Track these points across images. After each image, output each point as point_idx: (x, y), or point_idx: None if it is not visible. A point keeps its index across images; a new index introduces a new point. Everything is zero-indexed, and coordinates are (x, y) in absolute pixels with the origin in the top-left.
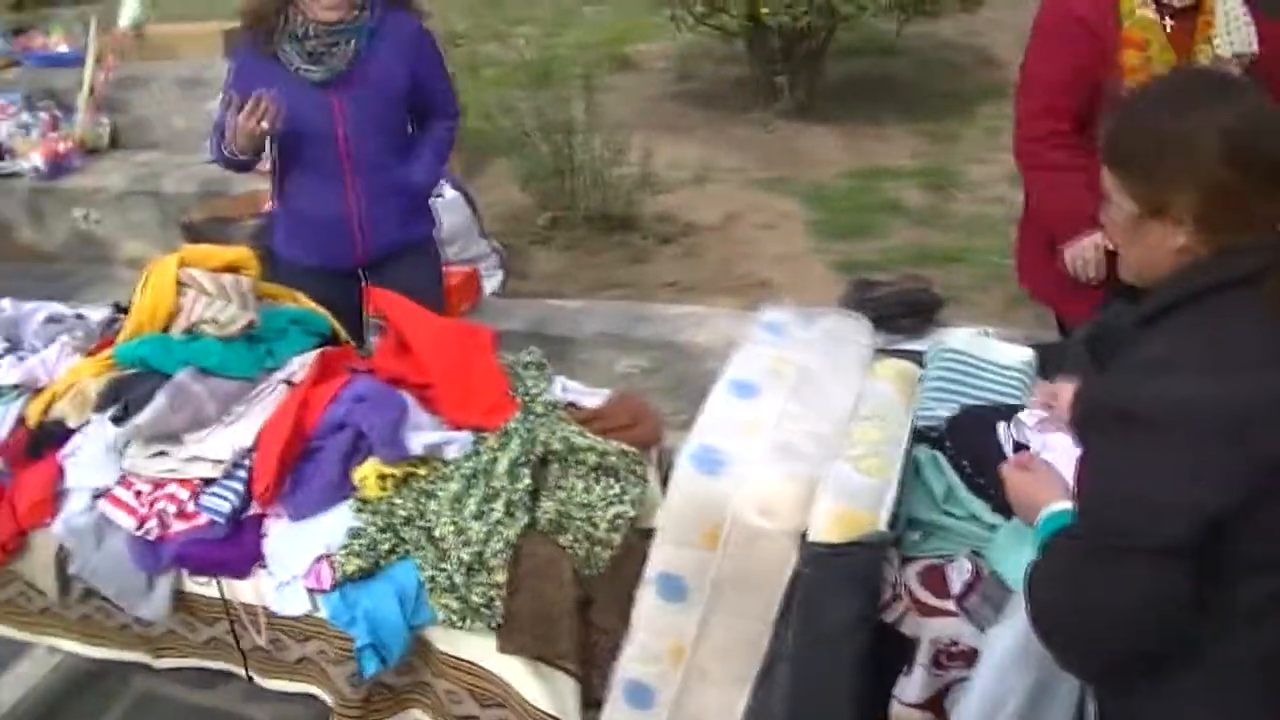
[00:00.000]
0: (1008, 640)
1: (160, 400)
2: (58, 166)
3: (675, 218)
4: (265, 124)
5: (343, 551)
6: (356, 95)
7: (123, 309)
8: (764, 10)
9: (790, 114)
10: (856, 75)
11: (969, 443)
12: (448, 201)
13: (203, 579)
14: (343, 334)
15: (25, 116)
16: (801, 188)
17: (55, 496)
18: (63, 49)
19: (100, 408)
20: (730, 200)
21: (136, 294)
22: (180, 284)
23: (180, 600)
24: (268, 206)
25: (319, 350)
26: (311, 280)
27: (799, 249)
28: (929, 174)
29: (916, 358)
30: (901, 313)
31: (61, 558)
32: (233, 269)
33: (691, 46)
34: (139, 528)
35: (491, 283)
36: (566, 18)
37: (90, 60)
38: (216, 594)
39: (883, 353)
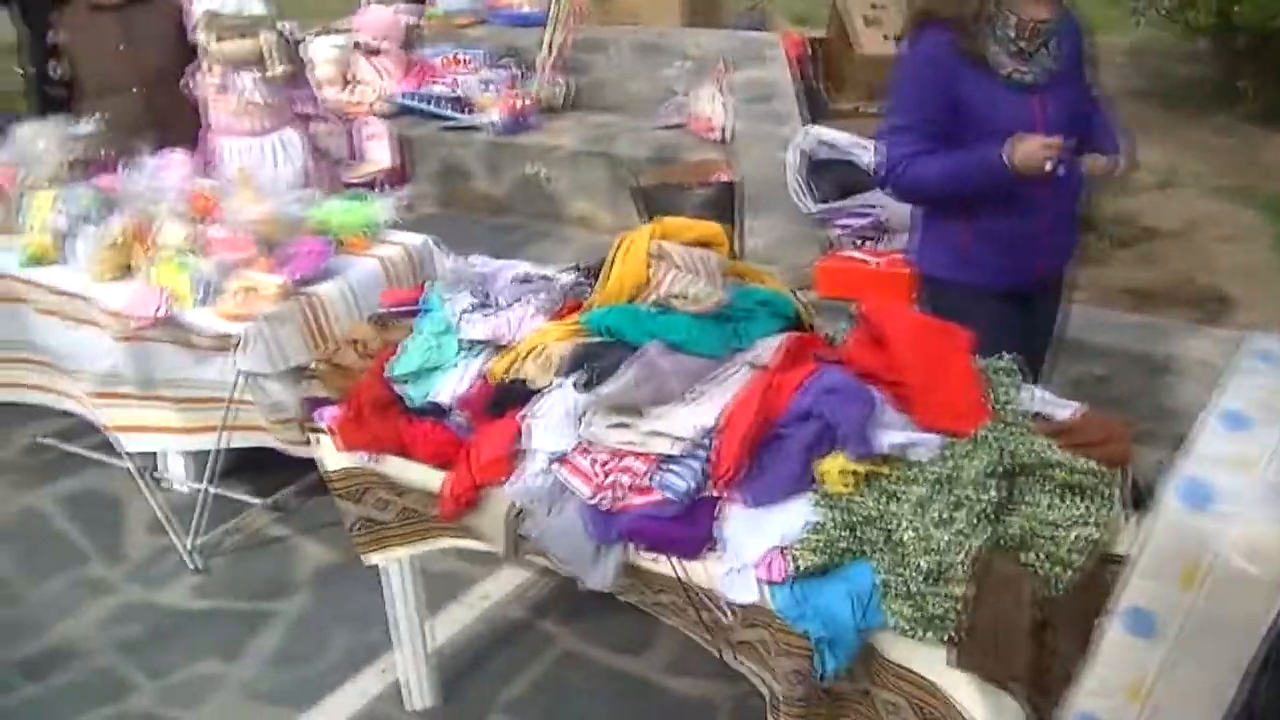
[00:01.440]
0: None
1: (627, 372)
2: (515, 122)
3: (1134, 221)
4: (1049, 166)
5: (799, 545)
6: (1058, 95)
7: (587, 272)
8: (1235, 9)
9: (1254, 119)
10: None
11: None
12: None
13: (652, 555)
14: (809, 319)
15: (488, 73)
16: (1266, 199)
17: (513, 456)
18: (527, 9)
19: (565, 372)
20: (1190, 207)
21: (609, 262)
22: (652, 256)
23: (629, 572)
24: (718, 176)
25: (787, 335)
26: (990, 303)
27: (1262, 264)
28: None
29: None
30: None
31: (514, 516)
32: (704, 244)
33: (1149, 42)
34: (594, 497)
35: None
36: None
37: (553, 21)
38: (665, 570)
39: None
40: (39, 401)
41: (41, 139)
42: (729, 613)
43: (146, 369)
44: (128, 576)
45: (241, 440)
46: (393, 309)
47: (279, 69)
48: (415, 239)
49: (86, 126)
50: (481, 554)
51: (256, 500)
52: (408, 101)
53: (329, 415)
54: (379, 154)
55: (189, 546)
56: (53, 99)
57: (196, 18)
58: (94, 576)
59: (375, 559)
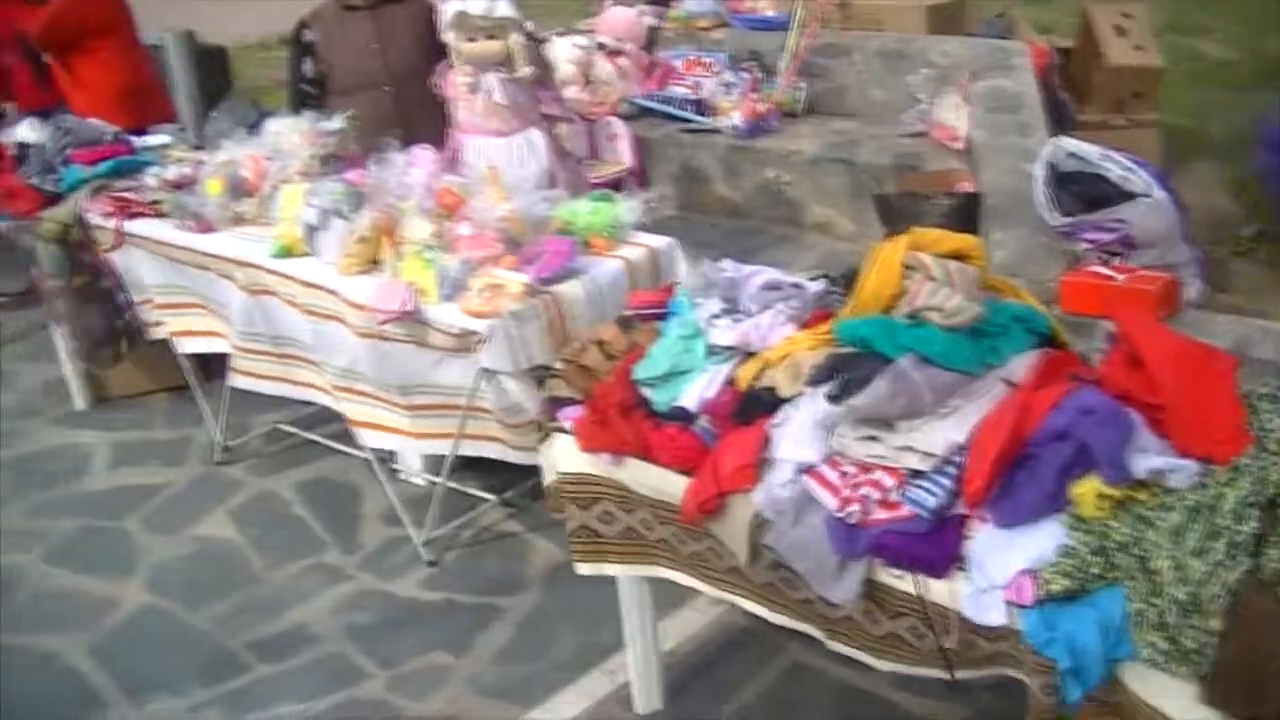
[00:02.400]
0: None
1: (880, 385)
2: (755, 126)
3: None
4: None
5: (1050, 568)
6: None
7: (835, 280)
8: None
9: None
10: None
11: None
12: (1155, 202)
13: (897, 571)
14: (1063, 336)
15: (729, 76)
16: None
17: (758, 464)
18: (769, 13)
19: (814, 382)
20: None
21: (863, 272)
22: (907, 267)
23: (869, 588)
24: (960, 186)
25: (1042, 352)
26: None
27: None
28: None
29: None
30: None
31: (757, 525)
32: (960, 256)
33: None
34: (840, 509)
35: (1189, 291)
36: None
37: (795, 25)
38: (909, 588)
39: None
40: (280, 393)
41: (293, 133)
42: (951, 633)
43: (383, 368)
44: (362, 564)
45: (472, 449)
46: (638, 311)
47: (525, 70)
48: (659, 241)
49: (336, 122)
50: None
51: (490, 496)
52: (648, 103)
53: (571, 415)
54: (618, 154)
55: (422, 539)
56: (305, 95)
57: (446, 18)
58: (329, 563)
59: (587, 569)
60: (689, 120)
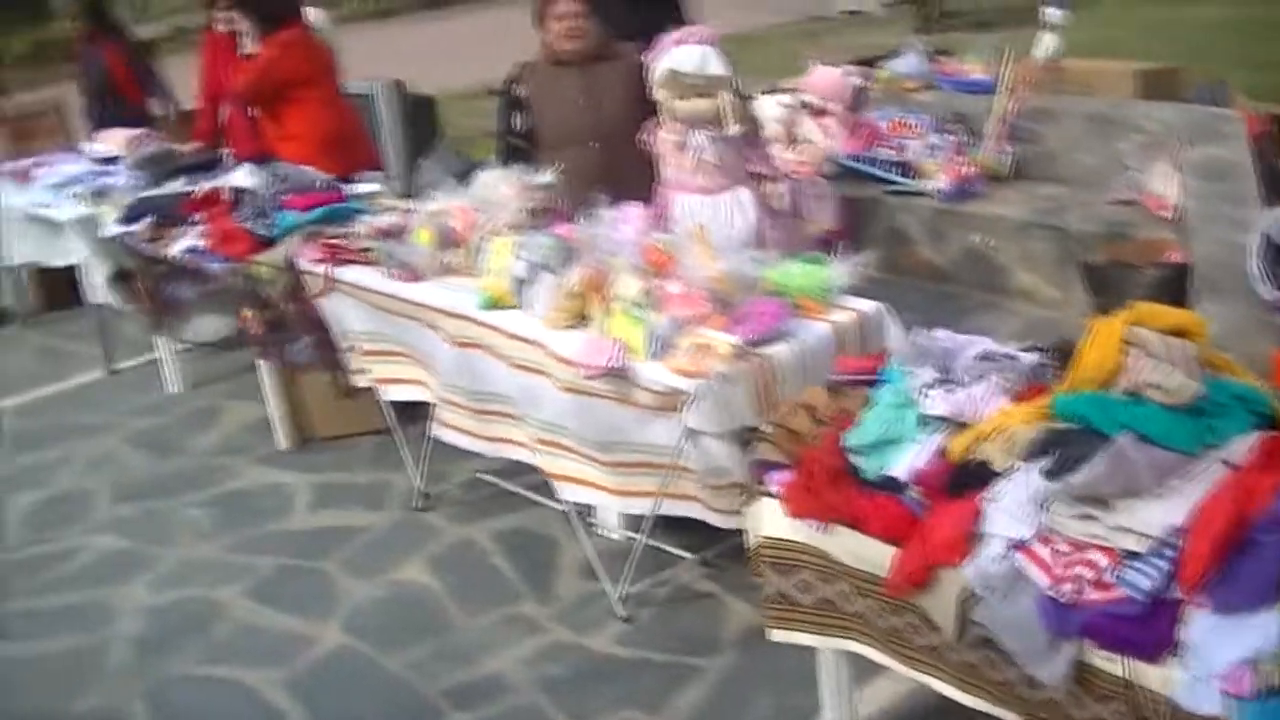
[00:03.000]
0: None
1: (1097, 463)
2: (961, 190)
3: None
4: None
5: (1272, 660)
6: None
7: (1051, 353)
8: None
9: None
10: None
11: None
12: None
13: (1108, 654)
14: None
15: (934, 138)
16: None
17: (969, 538)
18: (977, 75)
19: (1030, 457)
20: None
21: (1081, 346)
22: (1127, 342)
23: (1078, 670)
24: (1169, 256)
25: (1264, 434)
26: None
27: None
28: None
29: None
30: None
31: (966, 600)
32: (1180, 332)
33: None
34: (1052, 588)
35: None
36: None
37: (1003, 89)
38: (1119, 672)
39: None
40: (478, 449)
41: (503, 186)
42: None
43: (586, 424)
44: (557, 617)
45: (671, 509)
46: (848, 377)
47: (735, 128)
48: (868, 306)
49: (545, 177)
50: None
51: (688, 554)
52: (852, 163)
53: (778, 479)
54: (822, 215)
55: (618, 594)
56: (514, 149)
57: (656, 76)
58: (525, 614)
59: (780, 637)
60: (893, 182)
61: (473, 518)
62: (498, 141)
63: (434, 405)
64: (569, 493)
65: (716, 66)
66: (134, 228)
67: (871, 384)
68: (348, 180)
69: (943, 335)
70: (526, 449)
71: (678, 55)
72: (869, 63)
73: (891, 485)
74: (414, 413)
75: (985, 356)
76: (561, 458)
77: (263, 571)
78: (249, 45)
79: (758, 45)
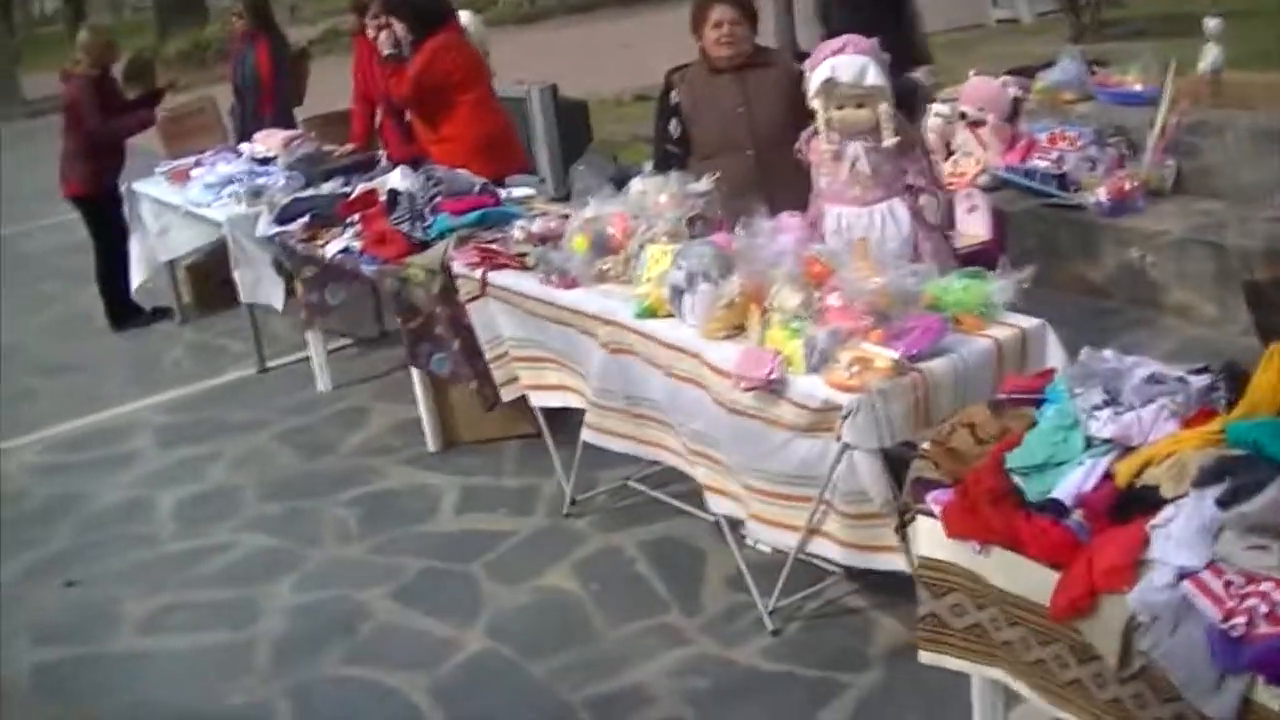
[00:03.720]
0: None
1: (1272, 492)
2: (1120, 204)
3: None
4: None
5: None
6: None
7: (1221, 376)
8: None
9: None
10: None
11: None
12: None
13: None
14: None
15: (1093, 151)
16: None
17: (1135, 565)
18: (1138, 87)
19: (1201, 484)
20: None
21: (1257, 371)
22: None
23: (1246, 708)
24: None
25: None
26: None
27: None
28: None
29: None
30: None
31: (1129, 629)
32: None
33: None
34: (1223, 621)
35: None
36: None
37: (1165, 102)
38: None
39: None
40: (631, 452)
41: (660, 194)
42: None
43: (736, 443)
44: (703, 628)
45: (813, 546)
46: (1011, 395)
47: (892, 140)
48: (1030, 323)
49: (704, 185)
50: None
51: (838, 569)
52: (1009, 175)
53: (937, 498)
54: (976, 227)
55: (767, 607)
56: (670, 156)
57: (813, 84)
58: (670, 624)
59: (928, 658)
60: (1050, 195)
61: (620, 525)
62: (653, 148)
63: (586, 410)
64: (719, 504)
65: (874, 76)
66: (290, 228)
67: (1036, 403)
68: (501, 184)
69: (1109, 356)
70: (680, 456)
71: (835, 64)
72: (1025, 73)
73: (1054, 508)
74: (564, 418)
75: (1154, 379)
76: (712, 470)
77: (407, 574)
78: (387, 48)
79: None
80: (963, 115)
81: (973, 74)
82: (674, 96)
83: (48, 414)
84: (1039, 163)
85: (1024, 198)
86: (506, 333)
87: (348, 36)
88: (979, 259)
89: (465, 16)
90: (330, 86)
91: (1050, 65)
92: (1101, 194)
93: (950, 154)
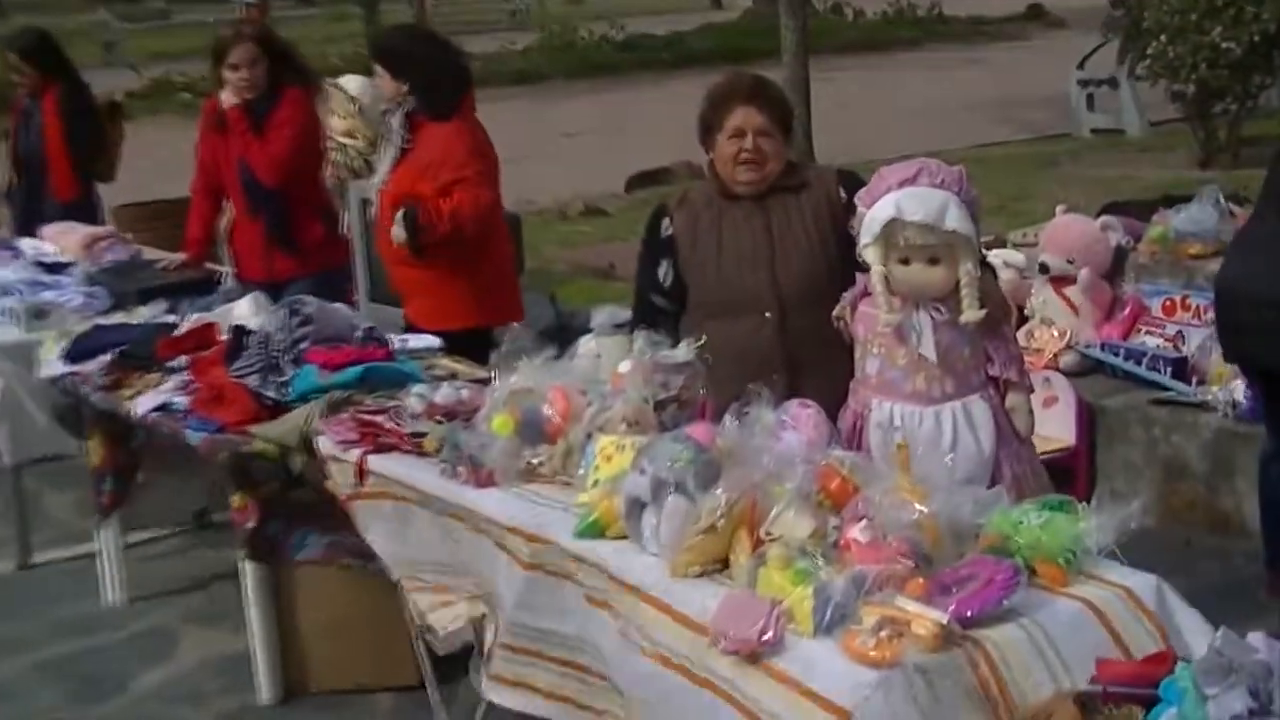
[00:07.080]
0: None
1: None
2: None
3: None
4: None
5: None
6: None
7: None
8: None
9: None
10: None
11: None
12: None
13: None
14: None
15: None
16: None
17: None
18: None
19: None
20: None
21: None
22: None
23: None
24: None
25: None
26: None
27: None
28: None
29: None
30: None
31: None
32: None
33: None
34: None
35: None
36: None
37: None
38: None
39: None
40: (550, 715)
41: (623, 361)
42: None
43: None
44: None
45: None
46: (1110, 688)
47: (977, 313)
48: (1142, 580)
49: (685, 353)
50: None
51: None
52: (1105, 356)
53: None
54: (1055, 428)
55: None
56: (656, 312)
57: (868, 224)
58: None
59: None
60: (1164, 387)
61: None
62: (635, 298)
63: (487, 652)
64: None
65: (959, 220)
66: (85, 367)
67: (1147, 702)
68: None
69: (1259, 642)
70: None
71: (902, 199)
72: (1135, 211)
73: None
74: (459, 663)
75: None
76: None
77: None
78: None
79: (976, 169)
80: (1043, 268)
81: (1060, 210)
82: (667, 228)
83: None
84: (1149, 340)
85: (1125, 388)
86: (414, 554)
87: (187, 94)
88: (1056, 474)
89: (354, 81)
90: (156, 162)
91: (1173, 202)
92: (1238, 389)
93: (1023, 320)
